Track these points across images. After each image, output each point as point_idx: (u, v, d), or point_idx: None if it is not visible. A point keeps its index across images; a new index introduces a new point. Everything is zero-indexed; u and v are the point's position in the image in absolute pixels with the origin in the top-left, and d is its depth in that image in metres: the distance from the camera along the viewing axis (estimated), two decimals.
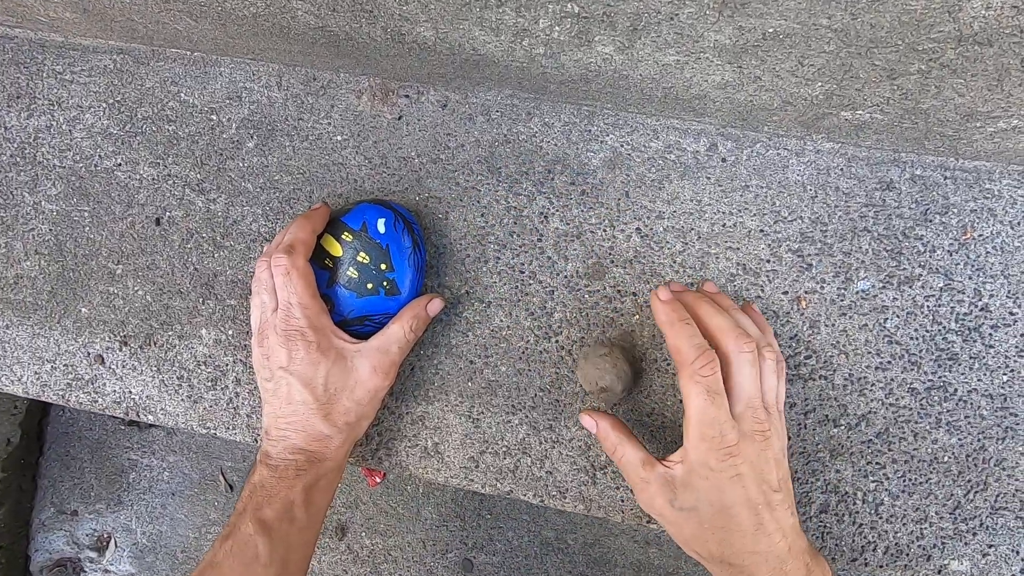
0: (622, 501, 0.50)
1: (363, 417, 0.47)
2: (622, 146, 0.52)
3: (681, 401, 0.49)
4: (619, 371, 0.46)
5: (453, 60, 0.48)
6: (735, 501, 0.39)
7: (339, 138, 0.55)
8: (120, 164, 0.57)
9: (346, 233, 0.48)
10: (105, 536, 0.77)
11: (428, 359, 0.52)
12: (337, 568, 0.77)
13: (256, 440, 0.54)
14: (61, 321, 0.56)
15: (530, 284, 0.52)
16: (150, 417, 0.56)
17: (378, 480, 0.78)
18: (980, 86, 0.39)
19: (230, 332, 0.54)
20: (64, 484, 0.76)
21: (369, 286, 0.48)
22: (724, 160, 0.51)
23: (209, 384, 0.54)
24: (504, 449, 0.51)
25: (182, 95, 0.57)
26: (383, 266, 0.48)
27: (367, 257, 0.48)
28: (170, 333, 0.55)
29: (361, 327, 0.48)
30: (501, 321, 0.52)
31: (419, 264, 0.49)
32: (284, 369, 0.45)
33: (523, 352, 0.52)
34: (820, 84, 0.42)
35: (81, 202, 0.57)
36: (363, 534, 0.78)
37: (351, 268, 0.48)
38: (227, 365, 0.54)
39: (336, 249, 0.48)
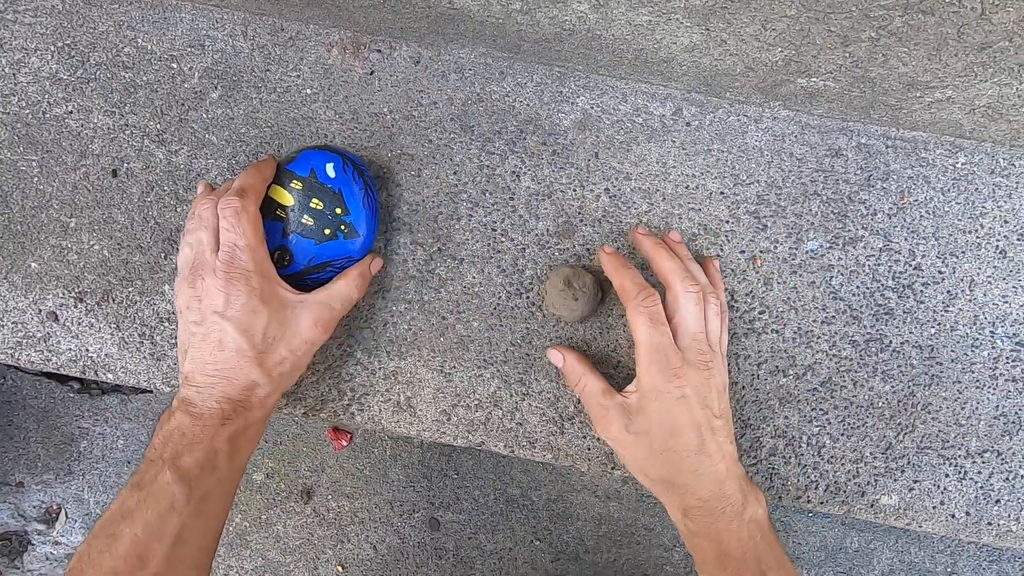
0: (588, 450, 0.52)
1: (296, 368, 0.45)
2: (592, 108, 0.53)
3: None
4: (575, 302, 0.48)
5: (428, 13, 0.47)
6: (681, 423, 0.43)
7: (308, 91, 0.53)
8: (72, 112, 0.54)
9: (295, 181, 0.47)
10: (55, 507, 0.74)
11: (401, 315, 0.52)
12: (303, 532, 0.77)
13: None
14: (8, 277, 0.53)
15: (502, 241, 0.53)
16: (109, 376, 0.54)
17: (344, 443, 0.78)
18: (921, 55, 0.42)
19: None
20: (8, 455, 0.72)
21: (327, 231, 0.47)
22: (688, 124, 0.53)
23: (173, 341, 0.53)
24: (476, 402, 0.52)
25: (139, 41, 0.54)
26: (338, 210, 0.47)
27: (320, 203, 0.47)
28: (130, 289, 0.53)
29: (323, 274, 0.47)
30: (473, 278, 0.53)
31: (373, 206, 0.48)
32: (219, 314, 0.42)
33: (495, 308, 0.52)
34: (780, 50, 0.44)
35: (28, 151, 0.53)
36: (329, 497, 0.78)
37: (306, 215, 0.47)
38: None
39: (286, 198, 0.47)
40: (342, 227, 0.47)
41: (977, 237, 0.53)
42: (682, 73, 0.50)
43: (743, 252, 0.52)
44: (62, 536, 0.77)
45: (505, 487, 0.75)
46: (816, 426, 0.52)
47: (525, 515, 0.74)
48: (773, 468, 0.52)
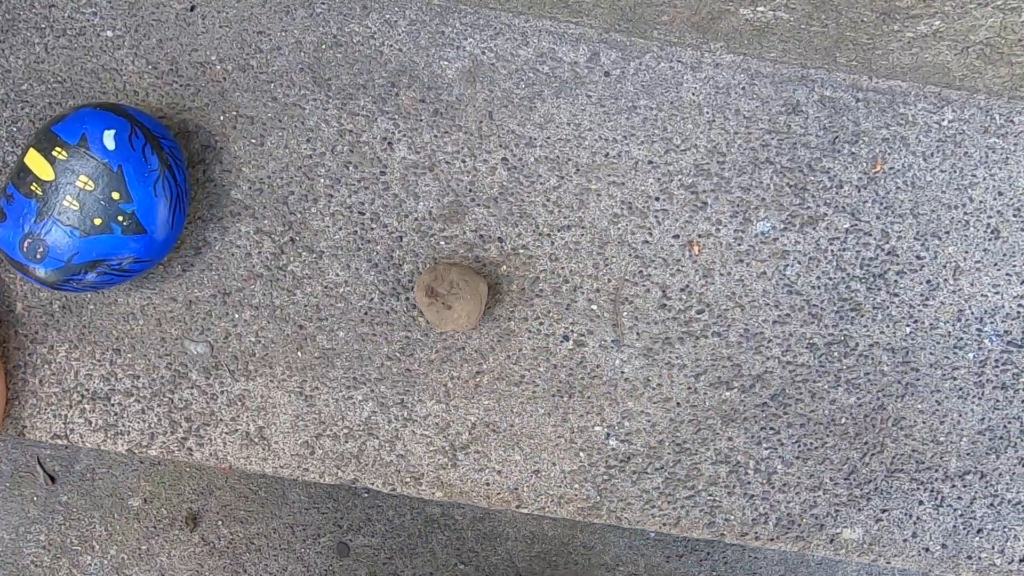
0: (487, 485, 0.43)
1: None
2: (484, 53, 0.41)
3: (552, 359, 0.41)
4: (448, 310, 0.37)
5: None
6: None
7: (109, 34, 0.41)
8: None
9: (58, 149, 0.34)
10: None
11: (247, 325, 0.41)
12: (191, 563, 0.67)
13: (23, 433, 0.42)
14: None
15: (372, 229, 0.42)
16: None
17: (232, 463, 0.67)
18: None
19: None
20: None
21: (97, 221, 0.35)
22: (608, 74, 0.42)
23: None
24: (345, 431, 0.42)
25: None
26: (115, 195, 0.35)
27: (91, 183, 0.34)
28: None
29: (94, 275, 0.36)
30: (337, 275, 0.41)
31: (175, 193, 0.36)
32: None
33: (365, 313, 0.42)
34: None
35: None
36: (219, 523, 0.68)
37: (68, 197, 0.34)
38: None
39: (45, 171, 0.34)
40: (120, 218, 0.35)
41: (965, 213, 0.43)
42: (595, 4, 0.38)
43: (677, 237, 0.42)
44: None
45: (423, 506, 0.65)
46: (766, 448, 0.43)
47: (447, 536, 0.64)
48: (714, 500, 0.43)
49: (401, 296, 0.41)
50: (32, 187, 0.34)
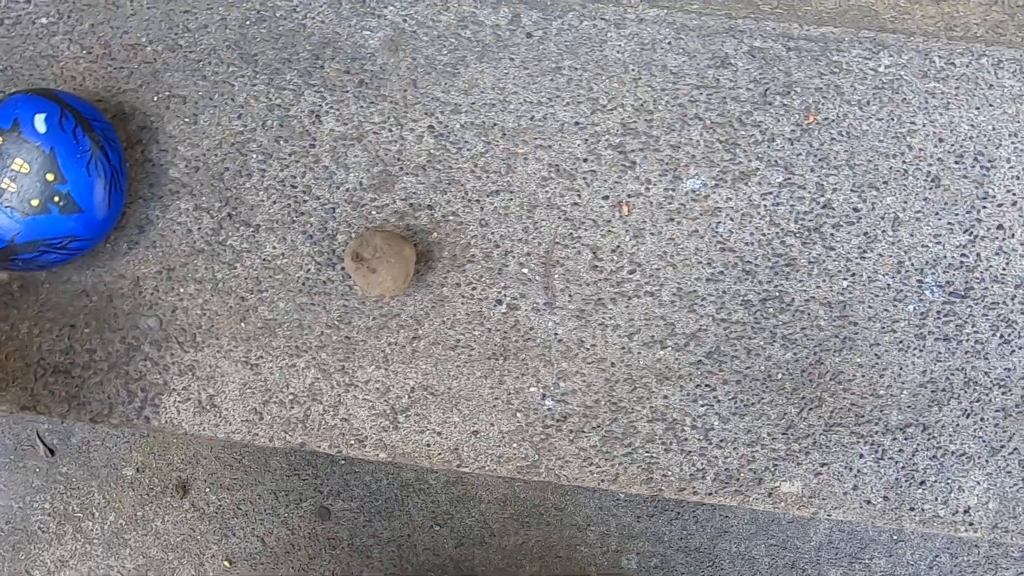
0: (428, 446, 0.44)
1: None
2: (405, 21, 0.41)
3: (486, 323, 0.42)
4: (373, 274, 0.38)
5: None
6: None
7: (44, 21, 0.42)
8: None
9: None
10: None
11: (192, 298, 0.43)
12: (183, 527, 0.71)
13: None
14: None
15: (305, 201, 0.43)
16: None
17: None
18: None
19: None
20: None
21: (34, 203, 0.36)
22: (530, 36, 0.42)
23: None
24: (291, 397, 0.44)
25: None
26: (49, 176, 0.36)
27: (26, 165, 0.36)
28: None
29: (37, 255, 0.37)
30: (274, 248, 0.43)
31: (109, 173, 0.38)
32: None
33: (303, 283, 0.43)
34: None
35: None
36: (207, 490, 0.72)
37: (6, 180, 0.36)
38: None
39: None
40: (56, 199, 0.37)
41: (904, 162, 0.42)
42: None
43: (606, 198, 0.42)
44: None
45: (398, 471, 0.67)
46: (702, 405, 0.43)
47: (422, 500, 0.67)
48: (651, 457, 0.43)
49: (336, 266, 0.42)
50: None
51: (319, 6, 0.40)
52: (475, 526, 0.67)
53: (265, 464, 0.68)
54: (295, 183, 0.41)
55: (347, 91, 0.41)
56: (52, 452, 0.68)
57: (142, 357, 0.43)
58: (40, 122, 0.36)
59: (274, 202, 0.41)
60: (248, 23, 0.40)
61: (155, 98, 0.41)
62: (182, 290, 0.42)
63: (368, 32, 0.40)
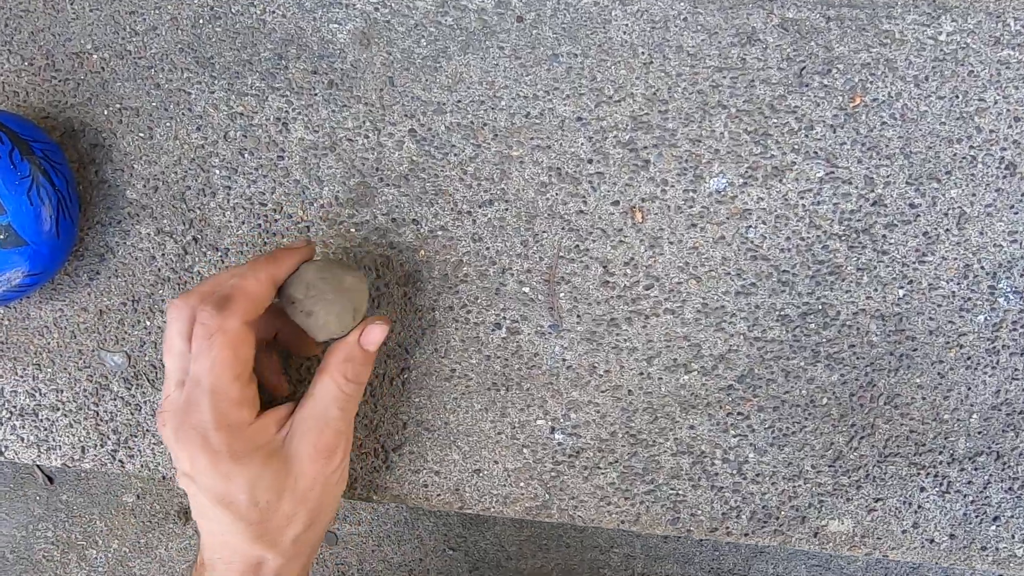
0: (426, 487, 0.40)
1: (316, 520, 0.33)
2: (377, 10, 0.36)
3: (484, 349, 0.37)
4: (309, 318, 0.32)
5: None
6: None
7: None
8: None
9: None
10: None
11: (160, 332, 0.39)
12: (188, 554, 0.68)
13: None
14: None
15: (277, 220, 0.38)
16: None
17: None
18: None
19: None
20: None
21: None
22: (521, 19, 0.36)
23: None
24: None
25: None
26: None
27: None
28: None
29: None
30: None
31: (55, 199, 0.33)
32: (188, 477, 0.31)
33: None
34: None
35: None
36: None
37: None
38: None
39: None
40: None
41: (971, 147, 0.35)
42: None
43: (616, 204, 0.36)
44: None
45: None
46: (734, 436, 0.38)
47: (434, 523, 0.63)
48: (677, 494, 0.38)
49: None
50: None
51: (287, 2, 0.35)
52: (490, 549, 0.63)
53: None
54: (264, 200, 0.37)
55: (316, 94, 0.36)
56: (51, 480, 0.66)
57: (112, 396, 0.39)
58: None
59: (242, 223, 0.37)
60: (201, 22, 0.36)
61: (106, 112, 0.37)
62: (149, 323, 0.38)
63: (336, 25, 0.35)
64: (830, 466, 0.37)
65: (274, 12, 0.35)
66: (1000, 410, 0.36)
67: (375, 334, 0.33)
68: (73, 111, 0.37)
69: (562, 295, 0.37)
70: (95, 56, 0.36)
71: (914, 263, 0.35)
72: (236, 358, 0.30)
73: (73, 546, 0.67)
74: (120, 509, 0.68)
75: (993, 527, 0.37)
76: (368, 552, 0.64)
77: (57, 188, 0.34)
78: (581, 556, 0.63)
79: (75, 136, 0.37)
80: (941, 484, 0.37)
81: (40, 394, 0.40)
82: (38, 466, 0.66)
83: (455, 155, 0.36)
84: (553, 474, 0.38)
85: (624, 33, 0.35)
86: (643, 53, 0.35)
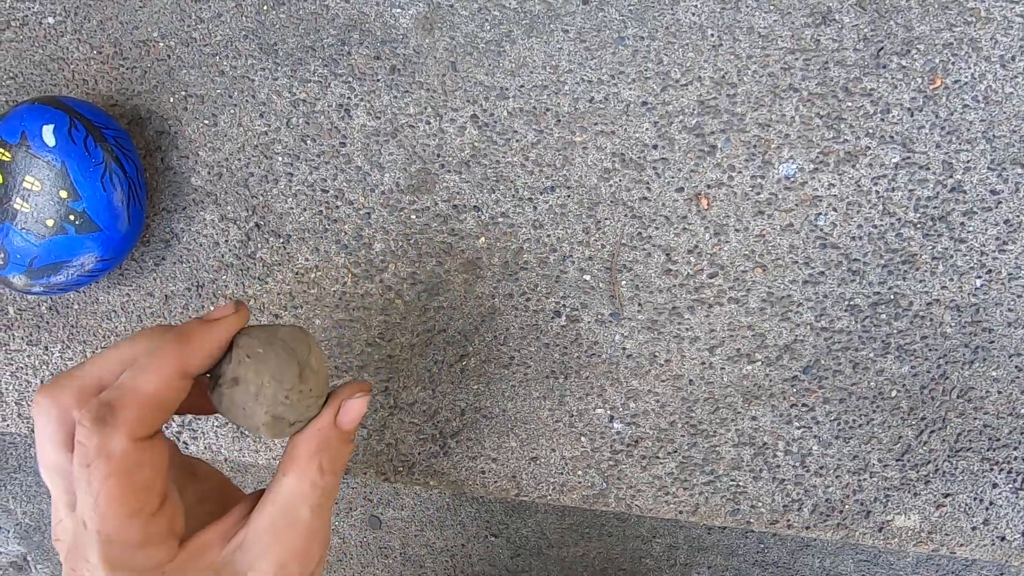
0: (483, 473, 0.40)
1: None
2: None
3: (543, 337, 0.37)
4: (243, 411, 0.23)
5: None
6: None
7: (51, 20, 0.39)
8: None
9: (2, 150, 0.33)
10: None
11: None
12: None
13: (33, 430, 0.44)
14: None
15: (338, 207, 0.39)
16: None
17: None
18: None
19: None
20: None
21: (50, 223, 0.33)
22: (586, 1, 0.36)
23: None
24: None
25: None
26: (63, 193, 0.33)
27: (37, 182, 0.33)
28: None
29: (61, 278, 0.35)
30: (306, 259, 0.39)
31: (127, 186, 0.34)
32: None
33: (340, 298, 0.39)
34: None
35: None
36: None
37: (18, 200, 0.33)
38: None
39: None
40: (71, 217, 0.34)
41: None
42: None
43: (681, 190, 0.36)
44: (0, 547, 0.74)
45: None
46: (798, 427, 0.37)
47: (475, 509, 0.64)
48: (737, 486, 0.38)
49: (375, 278, 0.38)
50: None
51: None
52: (532, 536, 0.63)
53: None
54: (326, 187, 0.37)
55: (378, 80, 0.36)
56: None
57: None
58: (48, 134, 0.32)
59: (304, 209, 0.37)
60: (265, 8, 0.36)
61: (171, 99, 0.37)
62: (212, 307, 0.39)
63: (399, 10, 0.35)
64: (898, 460, 0.36)
65: None
66: None
67: (355, 409, 0.25)
68: (140, 99, 0.38)
69: (623, 283, 0.36)
70: (161, 44, 0.37)
71: (994, 252, 0.34)
72: (130, 489, 0.22)
73: None
74: None
75: None
76: (411, 537, 0.65)
77: (128, 175, 0.35)
78: (623, 545, 0.63)
79: (142, 123, 0.38)
80: (1015, 480, 0.36)
81: None
82: None
83: (517, 141, 0.36)
84: (611, 463, 0.38)
85: (693, 14, 0.34)
86: (712, 35, 0.34)
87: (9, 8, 0.38)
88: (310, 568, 0.25)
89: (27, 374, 0.41)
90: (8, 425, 0.42)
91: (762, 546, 0.61)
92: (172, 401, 0.22)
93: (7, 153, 0.33)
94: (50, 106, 0.33)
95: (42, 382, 0.41)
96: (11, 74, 0.38)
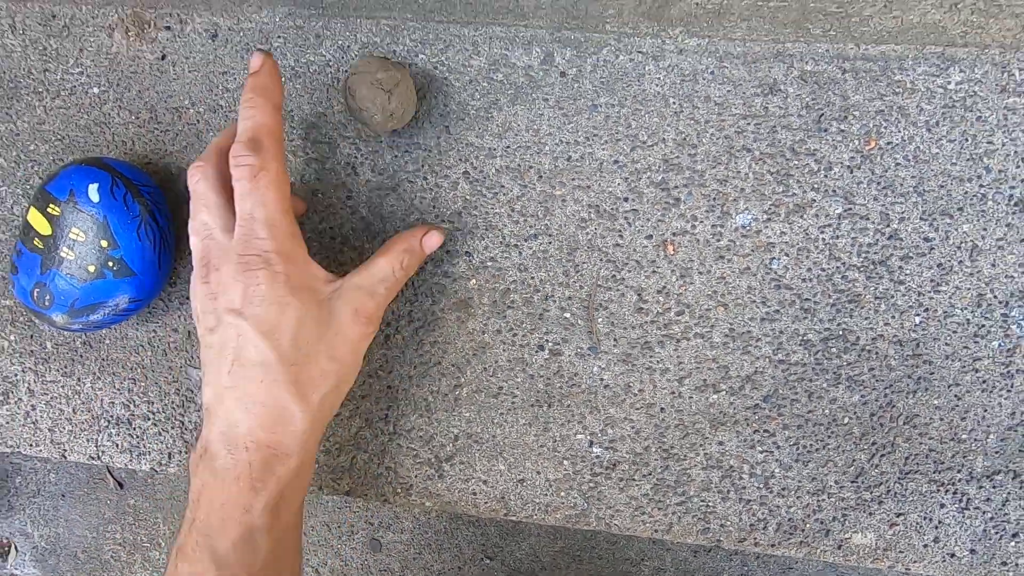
0: (474, 494, 0.44)
1: (342, 382, 0.35)
2: (436, 68, 0.41)
3: (528, 369, 0.41)
4: (372, 105, 0.36)
5: None
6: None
7: (96, 91, 0.44)
8: None
9: (52, 206, 0.38)
10: (4, 542, 0.73)
11: None
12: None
13: (64, 456, 0.48)
14: None
15: (343, 252, 0.43)
16: None
17: None
18: None
19: (12, 338, 0.47)
20: None
21: (91, 269, 0.38)
22: (564, 74, 0.41)
23: (0, 398, 0.47)
24: (336, 446, 0.44)
25: None
26: (104, 243, 0.37)
27: (82, 234, 0.38)
28: None
29: (98, 316, 0.39)
30: None
31: (158, 236, 0.39)
32: (235, 312, 0.32)
33: None
34: None
35: None
36: None
37: (65, 248, 0.38)
38: (15, 375, 0.47)
39: (44, 226, 0.38)
40: (110, 263, 0.38)
41: (981, 186, 0.38)
42: (537, 6, 0.37)
43: (650, 237, 0.40)
44: (16, 569, 0.77)
45: None
46: (761, 451, 0.41)
47: (472, 533, 0.67)
48: (707, 506, 0.42)
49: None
50: (35, 242, 0.38)
51: (351, 59, 0.40)
52: (525, 559, 0.66)
53: (318, 496, 0.69)
54: (333, 235, 0.42)
55: (381, 141, 0.41)
56: (121, 485, 0.72)
57: (196, 408, 0.44)
58: (94, 191, 0.37)
59: (313, 254, 0.42)
60: (284, 80, 0.41)
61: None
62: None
63: None
64: (852, 482, 0.40)
65: (347, 71, 0.41)
66: (1016, 431, 0.39)
67: (434, 240, 0.38)
68: (172, 158, 0.43)
69: (600, 320, 0.40)
70: (191, 110, 0.42)
71: (929, 292, 0.38)
72: (283, 192, 0.33)
73: (139, 547, 0.73)
74: (183, 514, 0.73)
75: (1013, 543, 0.39)
76: (410, 560, 0.68)
77: (160, 226, 0.39)
78: (613, 568, 0.65)
79: (172, 180, 0.43)
80: (960, 501, 0.39)
81: (134, 405, 0.45)
82: (109, 472, 0.72)
83: (504, 194, 0.40)
84: (591, 485, 0.42)
85: (657, 85, 0.39)
86: (674, 103, 0.39)
87: (60, 79, 0.43)
88: (369, 330, 0.35)
89: (61, 403, 0.45)
90: (41, 451, 0.46)
91: (746, 569, 0.63)
92: (281, 129, 0.34)
93: (56, 208, 0.38)
94: (95, 167, 0.38)
95: (74, 411, 0.45)
96: (59, 135, 0.43)
